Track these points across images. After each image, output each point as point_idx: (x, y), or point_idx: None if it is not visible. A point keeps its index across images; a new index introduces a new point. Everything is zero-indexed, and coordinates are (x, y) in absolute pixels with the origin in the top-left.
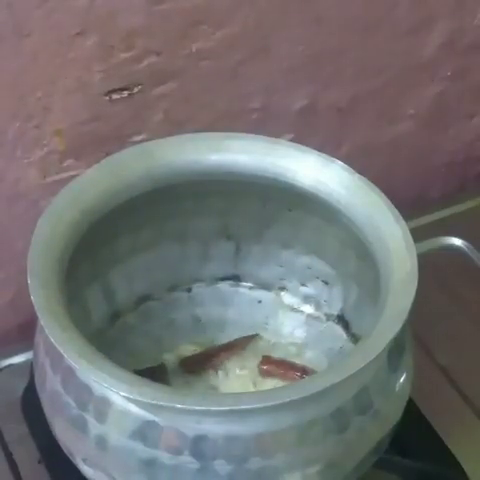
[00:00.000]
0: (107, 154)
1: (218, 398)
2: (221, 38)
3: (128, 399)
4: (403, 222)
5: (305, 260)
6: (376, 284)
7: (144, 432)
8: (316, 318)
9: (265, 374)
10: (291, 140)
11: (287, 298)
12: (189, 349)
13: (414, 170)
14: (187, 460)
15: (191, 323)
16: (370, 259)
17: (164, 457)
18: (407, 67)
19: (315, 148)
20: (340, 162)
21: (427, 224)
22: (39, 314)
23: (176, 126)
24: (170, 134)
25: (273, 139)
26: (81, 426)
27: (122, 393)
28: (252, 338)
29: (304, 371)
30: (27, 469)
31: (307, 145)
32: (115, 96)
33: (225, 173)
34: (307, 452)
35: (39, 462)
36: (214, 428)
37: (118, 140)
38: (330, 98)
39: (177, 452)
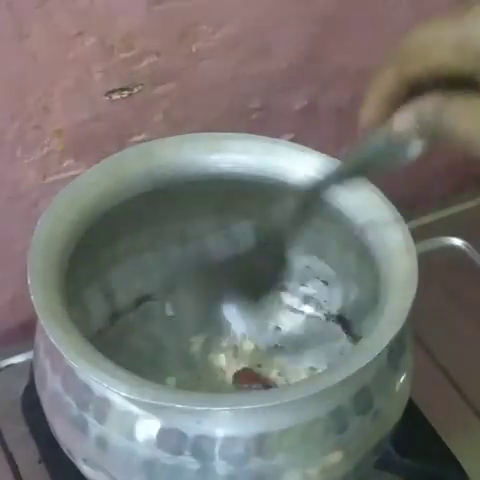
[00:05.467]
0: (107, 154)
1: (218, 398)
2: (221, 38)
3: (128, 399)
4: (403, 222)
5: (305, 260)
6: (376, 284)
7: (144, 432)
8: (316, 318)
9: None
10: (291, 140)
11: (287, 298)
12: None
13: (414, 170)
14: (187, 460)
15: (191, 323)
16: (370, 259)
17: (164, 457)
18: None
19: (315, 148)
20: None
21: (427, 224)
22: (39, 314)
23: (176, 126)
24: (170, 134)
25: (273, 139)
26: (81, 426)
27: (122, 393)
28: None
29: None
30: (27, 469)
31: (307, 145)
32: (115, 96)
33: (225, 173)
34: (307, 452)
35: (39, 462)
36: (214, 428)
37: (118, 140)
38: (330, 98)
39: (177, 452)
